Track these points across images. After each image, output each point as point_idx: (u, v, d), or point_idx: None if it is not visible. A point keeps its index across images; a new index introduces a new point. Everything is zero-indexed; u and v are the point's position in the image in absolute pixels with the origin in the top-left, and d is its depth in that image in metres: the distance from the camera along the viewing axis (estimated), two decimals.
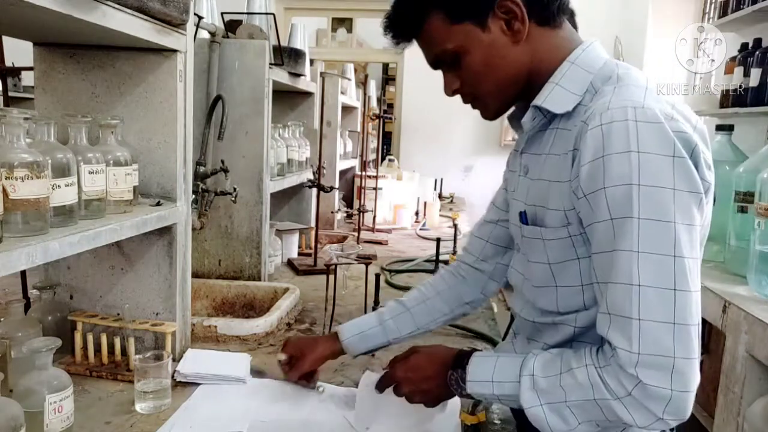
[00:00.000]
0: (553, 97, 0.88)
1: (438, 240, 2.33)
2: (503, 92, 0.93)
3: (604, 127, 0.77)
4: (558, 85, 0.89)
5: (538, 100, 0.90)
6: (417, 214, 3.65)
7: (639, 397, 0.74)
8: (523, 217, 0.94)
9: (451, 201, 4.70)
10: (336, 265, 1.54)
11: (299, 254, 2.53)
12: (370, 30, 6.38)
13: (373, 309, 1.65)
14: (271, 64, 1.94)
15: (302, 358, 1.21)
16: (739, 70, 3.12)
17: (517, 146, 1.03)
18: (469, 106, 1.00)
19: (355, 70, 4.30)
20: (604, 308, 0.79)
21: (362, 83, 3.85)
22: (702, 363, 2.45)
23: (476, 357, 0.93)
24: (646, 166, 0.75)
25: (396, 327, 1.21)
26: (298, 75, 2.27)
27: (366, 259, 2.02)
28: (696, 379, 0.75)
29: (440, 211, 3.69)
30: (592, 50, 0.91)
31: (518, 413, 1.14)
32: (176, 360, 1.31)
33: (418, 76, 5.48)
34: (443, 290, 1.23)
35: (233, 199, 1.73)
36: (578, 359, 0.82)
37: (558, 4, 0.91)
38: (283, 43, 2.13)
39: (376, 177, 3.21)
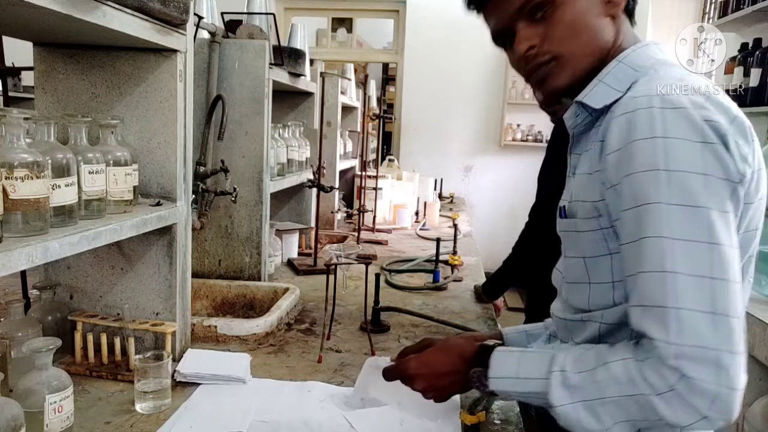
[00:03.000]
0: (594, 93, 0.87)
1: (438, 240, 2.33)
2: (582, 60, 0.87)
3: (628, 114, 0.77)
4: (602, 81, 0.86)
5: (581, 96, 0.88)
6: (417, 214, 3.65)
7: (683, 392, 0.69)
8: (563, 212, 0.92)
9: (451, 201, 4.70)
10: (336, 265, 1.54)
11: (299, 254, 2.53)
12: (370, 30, 6.39)
13: (373, 309, 1.66)
14: (271, 64, 1.94)
15: None
16: (739, 70, 3.12)
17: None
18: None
19: (355, 70, 4.30)
20: (635, 300, 0.75)
21: (362, 83, 3.85)
22: None
23: (498, 352, 0.88)
24: (673, 151, 0.72)
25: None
26: (298, 75, 2.27)
27: (366, 259, 2.02)
28: (743, 377, 0.71)
29: (440, 211, 3.69)
30: (644, 51, 0.88)
31: (525, 414, 1.14)
32: (176, 360, 1.31)
33: (418, 76, 5.49)
34: None
35: (233, 199, 1.73)
36: (614, 352, 0.77)
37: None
38: (283, 43, 2.13)
39: (376, 177, 3.21)
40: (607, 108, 0.86)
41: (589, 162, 0.86)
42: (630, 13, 0.91)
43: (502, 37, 0.92)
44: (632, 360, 0.74)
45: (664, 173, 0.72)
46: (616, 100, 0.84)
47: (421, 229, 3.33)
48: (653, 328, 0.71)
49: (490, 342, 0.93)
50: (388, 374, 1.00)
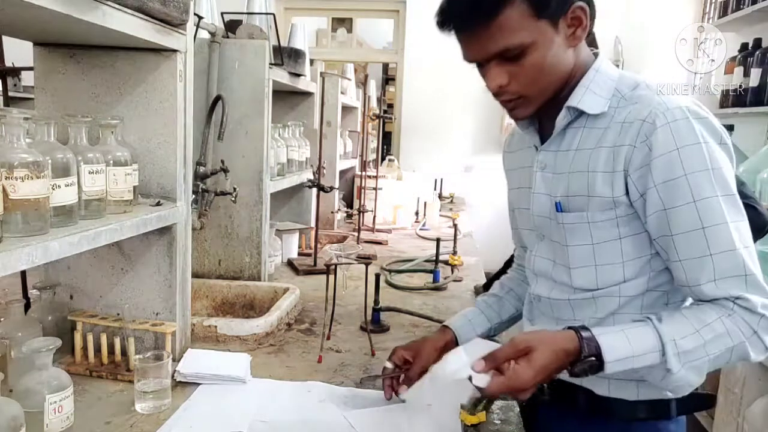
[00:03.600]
0: (586, 99, 0.98)
1: (438, 240, 2.33)
2: (550, 91, 0.99)
3: (671, 124, 0.90)
4: (589, 89, 0.99)
5: (573, 102, 0.98)
6: (417, 214, 3.65)
7: (761, 332, 0.88)
8: (558, 206, 1.01)
9: (451, 201, 4.69)
10: (336, 265, 1.54)
11: (299, 254, 2.53)
12: (370, 30, 6.39)
13: (374, 309, 1.66)
14: (271, 64, 1.94)
15: (414, 361, 1.14)
16: (739, 70, 3.12)
17: (515, 144, 1.16)
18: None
19: (355, 70, 4.30)
20: (710, 276, 0.90)
21: (362, 83, 3.85)
22: None
23: (603, 337, 0.90)
24: (712, 153, 0.90)
25: (496, 313, 1.28)
26: (298, 75, 2.27)
27: (366, 259, 2.02)
28: None
29: (440, 211, 3.69)
30: (607, 60, 1.03)
31: (524, 411, 1.15)
32: (176, 360, 1.31)
33: (418, 76, 5.49)
34: (514, 287, 1.32)
35: (233, 199, 1.73)
36: (708, 314, 0.90)
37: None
38: (283, 43, 2.13)
39: (376, 177, 3.21)
40: (598, 113, 0.98)
41: (601, 162, 0.95)
42: (587, 33, 0.99)
43: (473, 62, 1.00)
44: (725, 316, 0.89)
45: (711, 172, 0.89)
46: (610, 106, 0.98)
47: (421, 229, 3.33)
48: (743, 290, 0.89)
49: (576, 326, 0.93)
50: (495, 391, 0.90)
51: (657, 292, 1.00)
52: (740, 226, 0.91)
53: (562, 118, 1.00)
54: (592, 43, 1.61)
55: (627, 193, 0.94)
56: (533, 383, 0.88)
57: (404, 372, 1.16)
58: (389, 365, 1.16)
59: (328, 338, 1.57)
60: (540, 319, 1.12)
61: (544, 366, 0.88)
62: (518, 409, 1.19)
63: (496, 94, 0.98)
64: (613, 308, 1.00)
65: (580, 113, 0.99)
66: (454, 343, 1.21)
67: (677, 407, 1.02)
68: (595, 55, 1.04)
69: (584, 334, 0.90)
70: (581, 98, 0.98)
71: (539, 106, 1.00)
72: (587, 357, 0.88)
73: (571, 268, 1.03)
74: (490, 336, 1.27)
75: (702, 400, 1.07)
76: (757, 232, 1.51)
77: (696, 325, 0.89)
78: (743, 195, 1.49)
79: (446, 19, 0.94)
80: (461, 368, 0.91)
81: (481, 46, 0.93)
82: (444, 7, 0.94)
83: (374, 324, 1.66)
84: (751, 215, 1.47)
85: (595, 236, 0.98)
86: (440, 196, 4.34)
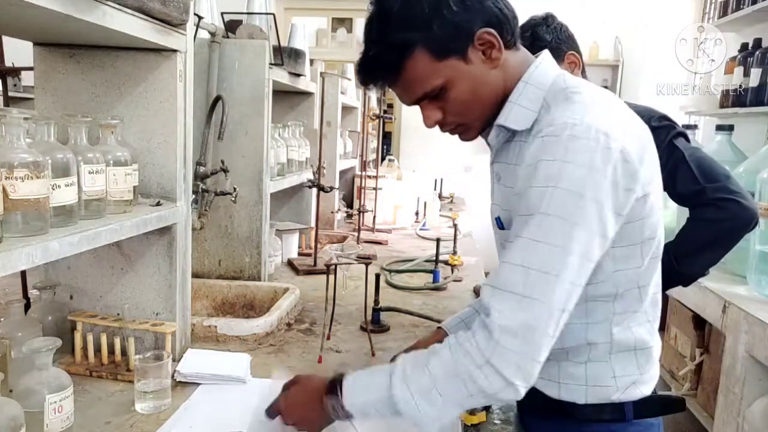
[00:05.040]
0: (513, 115, 0.96)
1: (438, 240, 2.33)
2: (487, 114, 0.99)
3: (544, 138, 0.86)
4: (516, 104, 0.96)
5: (500, 120, 0.97)
6: (417, 214, 3.65)
7: (496, 362, 0.81)
8: (499, 222, 1.02)
9: (451, 201, 4.70)
10: (336, 265, 1.54)
11: (299, 254, 2.53)
12: None
13: (374, 309, 1.66)
14: (271, 64, 1.94)
15: None
16: (739, 70, 3.12)
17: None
18: None
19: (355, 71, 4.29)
20: (490, 281, 0.86)
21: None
22: (701, 363, 2.44)
23: (350, 377, 0.94)
24: (567, 174, 0.82)
25: None
26: (298, 75, 2.27)
27: (366, 259, 2.02)
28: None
29: (440, 211, 3.69)
30: (543, 67, 0.98)
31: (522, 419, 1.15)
32: (176, 360, 1.31)
33: None
34: None
35: (233, 199, 1.73)
36: (444, 343, 0.87)
37: (516, 28, 0.98)
38: (283, 43, 2.13)
39: (376, 177, 3.21)
40: (528, 128, 0.95)
41: (520, 179, 0.93)
42: (510, 44, 0.97)
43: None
44: (456, 342, 0.85)
45: (552, 189, 0.83)
46: (535, 121, 0.94)
47: (421, 229, 3.33)
48: (510, 307, 0.82)
49: (344, 371, 0.97)
50: (269, 412, 1.01)
51: (598, 301, 0.95)
52: (552, 250, 0.82)
53: (494, 137, 1.00)
54: (572, 46, 1.61)
55: None
56: (284, 409, 0.98)
57: None
58: None
59: (328, 338, 1.57)
60: None
61: (293, 397, 0.99)
62: (517, 409, 1.19)
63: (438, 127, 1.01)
64: None
65: (515, 130, 0.97)
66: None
67: (634, 410, 0.99)
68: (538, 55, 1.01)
69: (337, 376, 0.95)
70: (508, 115, 0.96)
71: (483, 127, 1.01)
72: (332, 398, 0.92)
73: None
74: None
75: (667, 404, 1.04)
76: (744, 226, 1.51)
77: (429, 353, 0.87)
78: (728, 190, 1.49)
79: (363, 80, 1.01)
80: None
81: (402, 95, 0.99)
82: (358, 68, 1.00)
83: (374, 324, 1.66)
84: (735, 210, 1.48)
85: None
86: (440, 196, 4.34)
